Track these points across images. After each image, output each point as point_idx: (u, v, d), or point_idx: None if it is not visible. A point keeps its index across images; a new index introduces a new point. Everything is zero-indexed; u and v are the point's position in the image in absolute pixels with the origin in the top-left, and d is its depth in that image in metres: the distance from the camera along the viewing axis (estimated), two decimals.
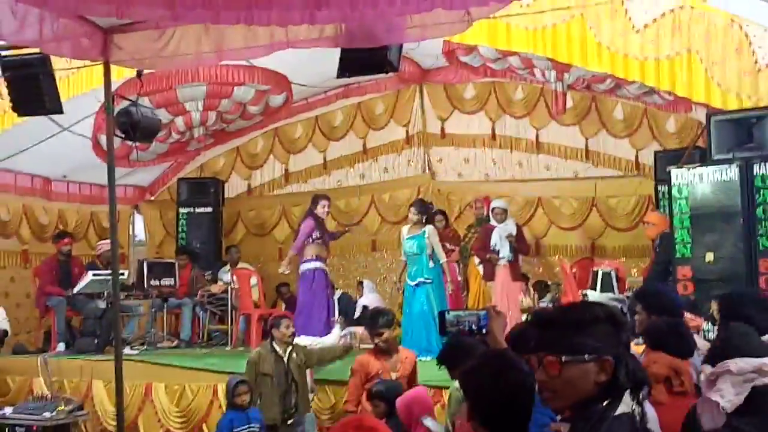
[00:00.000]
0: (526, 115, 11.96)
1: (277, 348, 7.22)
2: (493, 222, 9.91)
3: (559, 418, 2.88)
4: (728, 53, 7.18)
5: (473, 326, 3.24)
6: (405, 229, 9.31)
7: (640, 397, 2.08)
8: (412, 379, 6.36)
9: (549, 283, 10.90)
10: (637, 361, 2.14)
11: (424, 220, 9.23)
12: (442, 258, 9.08)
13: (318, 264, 9.59)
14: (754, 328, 2.77)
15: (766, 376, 1.45)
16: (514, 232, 9.78)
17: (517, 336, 3.48)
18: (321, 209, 9.73)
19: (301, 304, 9.57)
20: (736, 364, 1.49)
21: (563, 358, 2.08)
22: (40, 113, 7.47)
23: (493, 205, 10.14)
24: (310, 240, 9.57)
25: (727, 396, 1.42)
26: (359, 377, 6.41)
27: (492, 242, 9.79)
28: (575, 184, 11.83)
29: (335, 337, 8.70)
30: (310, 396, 7.72)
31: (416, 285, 9.03)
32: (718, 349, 2.71)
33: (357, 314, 11.19)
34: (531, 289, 10.44)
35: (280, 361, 7.17)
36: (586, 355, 2.07)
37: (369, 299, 11.49)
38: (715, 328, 6.60)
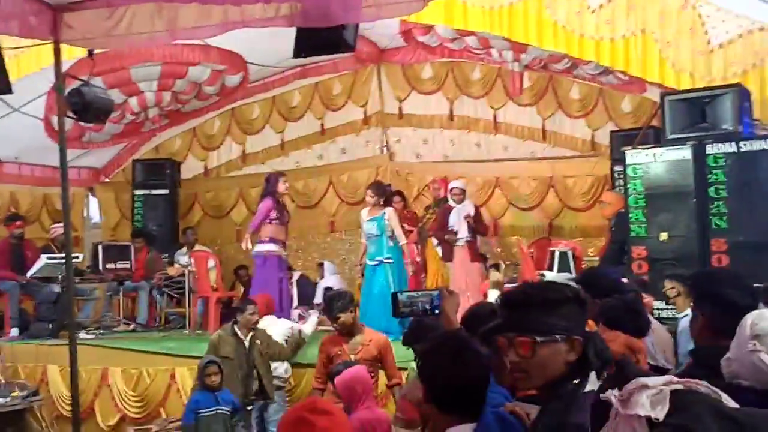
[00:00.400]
0: (484, 96, 11.99)
1: (239, 332, 7.19)
2: (451, 202, 9.94)
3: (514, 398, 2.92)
4: (682, 33, 7.26)
5: (426, 307, 3.23)
6: (365, 212, 9.27)
7: (604, 375, 2.09)
8: (382, 361, 6.36)
9: (502, 263, 10.90)
10: (602, 340, 2.16)
11: (382, 202, 9.18)
12: (402, 240, 9.05)
13: (270, 247, 9.50)
14: (736, 308, 2.79)
15: (677, 384, 1.49)
16: (472, 213, 9.83)
17: (475, 314, 3.49)
18: (282, 186, 9.67)
19: (254, 288, 9.52)
20: (647, 380, 1.53)
21: (536, 339, 2.10)
22: None
23: (451, 185, 10.16)
24: (268, 220, 9.50)
25: (653, 407, 1.45)
26: (322, 357, 6.43)
27: (450, 223, 9.82)
28: (532, 165, 11.90)
29: (312, 324, 8.67)
30: (281, 382, 7.72)
31: (376, 264, 9.02)
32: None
33: (318, 297, 11.17)
34: (487, 269, 10.47)
35: (241, 345, 7.15)
36: (558, 335, 2.09)
37: (330, 281, 11.48)
38: (668, 306, 6.73)
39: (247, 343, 7.18)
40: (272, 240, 9.50)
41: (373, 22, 7.95)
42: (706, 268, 6.04)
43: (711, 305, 3.08)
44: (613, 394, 1.58)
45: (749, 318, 2.58)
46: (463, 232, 9.73)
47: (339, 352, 6.29)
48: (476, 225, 9.84)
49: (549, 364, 2.11)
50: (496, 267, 9.56)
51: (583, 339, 2.11)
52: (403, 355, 4.78)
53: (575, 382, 2.09)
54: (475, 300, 8.18)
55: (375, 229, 9.05)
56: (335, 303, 6.40)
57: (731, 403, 1.53)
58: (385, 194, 9.37)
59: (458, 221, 9.75)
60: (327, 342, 6.51)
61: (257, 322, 7.40)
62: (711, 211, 7.08)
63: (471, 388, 2.51)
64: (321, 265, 12.14)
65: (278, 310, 8.97)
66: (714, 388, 1.54)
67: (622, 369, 2.07)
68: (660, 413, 1.44)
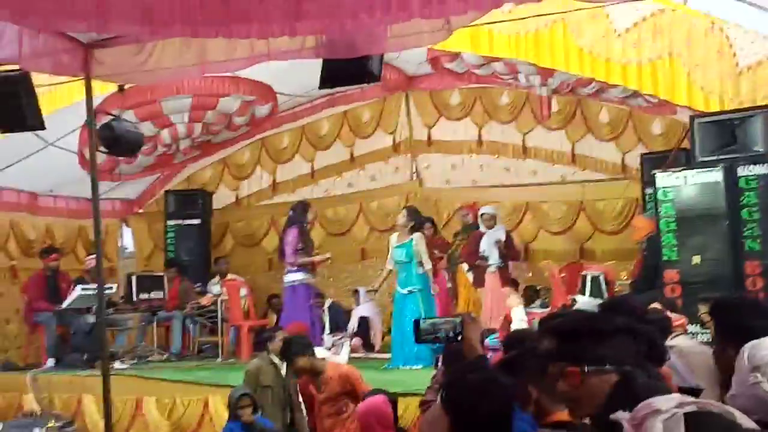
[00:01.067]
0: (512, 121, 11.99)
1: (275, 360, 7.20)
2: (482, 228, 9.92)
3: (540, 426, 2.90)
4: (710, 56, 7.22)
5: (449, 333, 3.22)
6: (394, 238, 9.27)
7: None
8: (353, 393, 6.37)
9: (538, 288, 10.88)
10: (655, 371, 2.16)
11: (411, 226, 9.16)
12: (428, 265, 8.99)
13: (299, 276, 9.55)
14: (754, 336, 2.73)
15: (690, 405, 1.46)
16: (503, 238, 9.80)
17: (515, 338, 3.48)
18: (311, 215, 9.77)
19: (285, 318, 9.55)
20: (660, 402, 1.49)
21: (585, 369, 2.11)
22: (21, 130, 7.42)
23: (481, 211, 10.15)
24: (295, 249, 9.53)
25: None
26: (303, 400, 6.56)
27: (481, 249, 9.80)
28: (562, 188, 11.86)
29: (346, 354, 8.67)
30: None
31: (407, 293, 9.00)
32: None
33: (353, 324, 11.16)
34: (521, 295, 10.41)
35: (279, 374, 7.14)
36: (608, 366, 2.10)
37: (364, 309, 11.45)
38: (703, 330, 6.64)
39: (283, 372, 7.18)
40: (300, 269, 9.52)
41: (398, 52, 8.01)
42: (725, 295, 5.92)
43: (735, 336, 3.02)
44: (624, 418, 1.56)
45: (745, 350, 2.54)
46: (494, 258, 9.70)
47: (311, 394, 6.39)
48: (507, 250, 9.81)
49: (598, 394, 2.11)
50: (515, 285, 9.54)
51: (634, 369, 2.12)
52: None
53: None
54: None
55: (404, 255, 9.02)
56: (291, 347, 6.45)
57: (747, 422, 1.51)
58: (417, 221, 9.34)
59: (489, 247, 9.72)
60: (302, 385, 6.57)
61: None
62: (744, 234, 7.01)
63: (496, 418, 2.50)
64: (356, 292, 12.12)
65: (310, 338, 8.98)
66: (727, 408, 1.51)
67: (629, 383, 2.06)
68: None
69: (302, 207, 9.87)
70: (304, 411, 7.34)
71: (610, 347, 2.13)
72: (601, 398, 2.11)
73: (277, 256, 12.72)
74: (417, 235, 9.06)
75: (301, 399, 6.69)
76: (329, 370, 6.44)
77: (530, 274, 11.75)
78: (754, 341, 2.58)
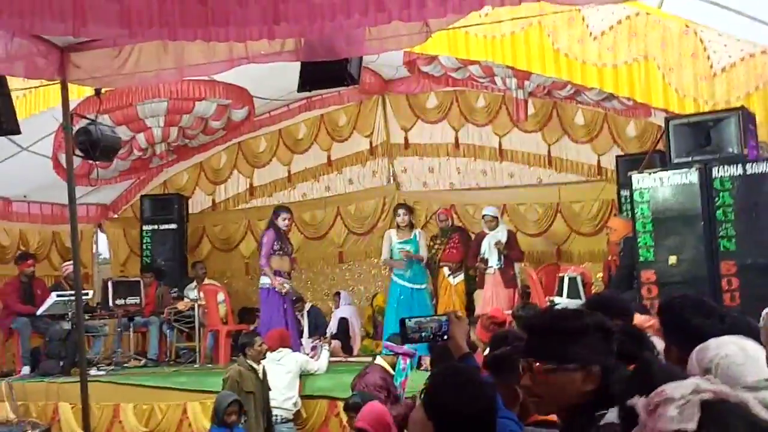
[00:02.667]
0: (489, 123, 12.02)
1: (254, 365, 7.18)
2: (484, 229, 9.97)
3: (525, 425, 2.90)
4: (684, 58, 7.27)
5: (435, 332, 3.22)
6: (393, 234, 9.37)
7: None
8: None
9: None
10: (627, 370, 2.16)
11: (413, 222, 9.40)
12: (425, 257, 9.47)
13: (263, 279, 9.56)
14: (703, 336, 2.70)
15: (705, 391, 1.45)
16: (504, 240, 9.77)
17: (500, 337, 3.50)
18: (282, 222, 9.73)
19: (262, 322, 9.53)
20: (672, 388, 1.48)
21: (549, 366, 2.13)
22: None
23: (483, 212, 10.21)
24: (272, 251, 9.51)
25: (683, 419, 1.40)
26: None
27: (481, 250, 9.86)
28: (539, 191, 11.92)
29: (325, 359, 8.68)
30: (290, 415, 7.72)
31: (418, 289, 9.30)
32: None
33: (332, 326, 11.18)
34: (521, 296, 10.34)
35: (258, 379, 7.14)
36: (572, 364, 2.10)
37: (344, 311, 11.50)
38: None
39: (261, 376, 7.18)
40: (275, 272, 9.50)
41: (377, 54, 8.01)
42: (671, 296, 5.96)
43: (677, 334, 3.01)
44: (639, 402, 1.55)
45: (693, 354, 2.54)
46: (493, 260, 9.73)
47: None
48: (509, 251, 9.79)
49: (563, 391, 2.13)
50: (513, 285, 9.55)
51: (603, 369, 2.12)
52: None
53: (595, 412, 2.07)
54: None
55: (414, 251, 9.25)
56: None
57: (762, 412, 1.50)
58: (414, 214, 9.57)
59: (489, 249, 9.76)
60: None
61: (266, 351, 7.41)
62: (719, 234, 7.06)
63: (478, 418, 2.50)
64: (337, 294, 12.13)
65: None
66: (742, 396, 1.50)
67: (647, 368, 2.03)
68: (691, 425, 1.41)
69: (275, 210, 9.96)
70: None
71: (579, 346, 2.13)
72: (565, 395, 2.13)
73: (255, 260, 12.78)
74: (419, 231, 9.34)
75: None
76: None
77: None
78: (702, 344, 2.57)
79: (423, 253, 9.43)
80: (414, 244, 9.28)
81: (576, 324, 2.18)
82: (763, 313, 1.30)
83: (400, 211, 9.56)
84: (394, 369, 7.01)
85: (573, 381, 2.12)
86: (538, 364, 2.15)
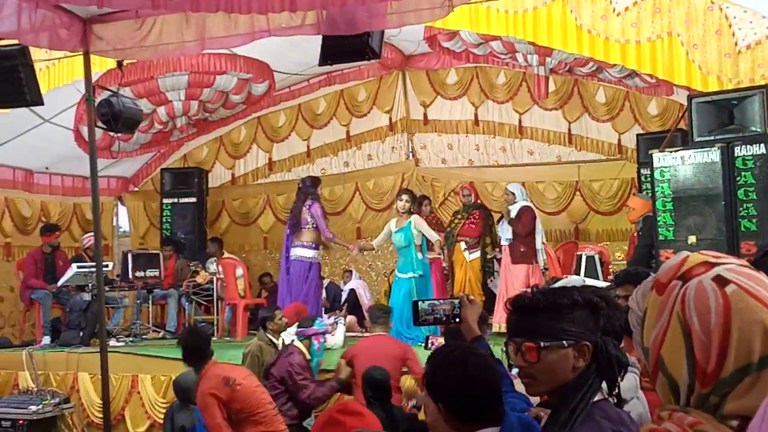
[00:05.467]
0: (509, 100, 11.98)
1: (274, 340, 7.22)
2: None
3: (536, 403, 2.90)
4: (709, 35, 7.21)
5: (448, 315, 3.21)
6: (393, 223, 9.25)
7: (618, 382, 2.08)
8: None
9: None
10: (617, 347, 2.13)
11: (412, 210, 9.19)
12: (434, 237, 9.07)
13: (314, 253, 9.52)
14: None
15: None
16: (514, 214, 9.58)
17: None
18: (320, 190, 9.79)
19: (294, 292, 9.47)
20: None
21: (541, 344, 2.07)
22: (20, 105, 7.39)
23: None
24: (309, 226, 9.48)
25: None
26: None
27: (499, 225, 9.86)
28: (558, 169, 11.87)
29: (341, 333, 8.70)
30: None
31: (405, 278, 9.03)
32: None
33: (344, 298, 11.26)
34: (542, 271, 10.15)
35: (278, 353, 7.17)
36: (565, 341, 2.07)
37: (354, 284, 11.59)
38: None
39: (281, 350, 7.21)
40: (307, 245, 9.51)
41: (398, 28, 7.97)
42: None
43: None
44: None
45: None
46: (506, 235, 9.57)
47: None
48: (514, 226, 9.46)
49: (556, 369, 2.08)
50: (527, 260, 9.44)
51: (593, 345, 2.08)
52: None
53: (585, 388, 2.05)
54: None
55: (403, 240, 9.06)
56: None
57: None
58: (416, 203, 9.43)
59: (503, 224, 9.67)
60: None
61: (286, 325, 7.44)
62: (740, 214, 7.01)
63: (485, 394, 2.49)
64: (348, 272, 12.19)
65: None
66: None
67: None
68: None
69: (312, 181, 9.79)
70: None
71: (567, 322, 2.09)
72: (558, 374, 2.08)
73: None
74: (415, 217, 9.08)
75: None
76: None
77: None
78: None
79: (426, 235, 9.14)
80: (407, 232, 9.05)
81: (564, 300, 2.12)
82: (632, 295, 1.28)
83: (404, 197, 9.21)
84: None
85: (566, 358, 2.07)
86: (529, 343, 2.09)
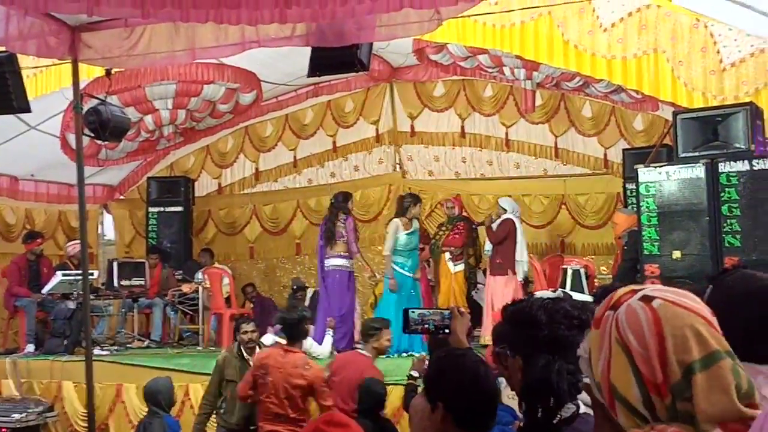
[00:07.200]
0: (496, 113, 12.03)
1: (244, 352, 6.94)
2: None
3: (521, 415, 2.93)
4: (694, 52, 7.28)
5: (436, 325, 3.24)
6: (399, 224, 9.36)
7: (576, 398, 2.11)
8: None
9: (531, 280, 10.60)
10: (567, 365, 2.12)
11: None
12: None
13: (345, 261, 9.55)
14: None
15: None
16: (495, 226, 9.57)
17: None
18: (351, 205, 9.91)
19: (327, 301, 9.46)
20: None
21: (497, 350, 2.26)
22: (7, 112, 7.39)
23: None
24: (343, 238, 9.54)
25: None
26: None
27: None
28: (545, 182, 11.93)
29: (328, 345, 8.70)
30: None
31: (417, 279, 9.40)
32: None
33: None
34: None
35: (246, 366, 6.85)
36: (508, 351, 2.17)
37: None
38: None
39: (252, 362, 6.88)
40: (347, 256, 9.57)
41: (387, 41, 8.02)
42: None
43: None
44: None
45: None
46: (487, 246, 9.72)
47: None
48: (488, 234, 9.61)
49: (510, 377, 2.25)
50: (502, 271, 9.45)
51: (524, 359, 2.17)
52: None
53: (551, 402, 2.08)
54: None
55: (414, 242, 9.40)
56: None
57: None
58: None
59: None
60: None
61: (253, 340, 7.06)
62: (724, 230, 7.06)
63: (488, 402, 2.53)
64: None
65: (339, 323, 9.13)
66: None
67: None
68: None
69: (344, 196, 9.84)
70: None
71: (516, 334, 2.23)
72: (512, 381, 2.23)
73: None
74: (416, 223, 9.40)
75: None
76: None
77: None
78: None
79: (416, 242, 9.57)
80: (416, 235, 9.40)
81: (513, 314, 2.28)
82: (580, 348, 1.33)
83: (419, 205, 9.67)
84: None
85: (514, 368, 2.21)
86: (496, 349, 2.27)
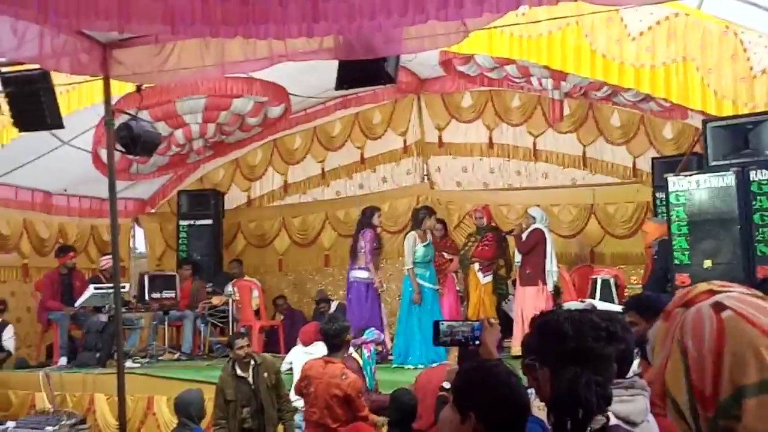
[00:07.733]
0: (524, 123, 12.00)
1: (238, 369, 6.96)
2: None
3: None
4: (723, 60, 7.21)
5: (466, 336, 3.24)
6: (416, 236, 9.40)
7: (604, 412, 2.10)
8: None
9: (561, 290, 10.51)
10: (596, 377, 2.10)
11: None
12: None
13: (365, 274, 9.72)
14: None
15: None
16: (524, 236, 9.58)
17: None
18: (376, 220, 10.02)
19: (350, 311, 9.60)
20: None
21: (526, 362, 2.24)
22: (41, 129, 7.49)
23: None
24: (372, 250, 9.76)
25: None
26: None
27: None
28: (573, 192, 11.87)
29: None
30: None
31: (436, 290, 9.50)
32: None
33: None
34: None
35: (243, 383, 6.93)
36: (538, 363, 2.16)
37: None
38: None
39: (250, 379, 6.95)
40: (367, 268, 9.73)
41: (414, 53, 8.04)
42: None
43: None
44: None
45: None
46: (517, 257, 9.75)
47: None
48: (517, 244, 9.66)
49: (539, 389, 2.23)
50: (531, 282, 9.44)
51: (552, 371, 2.15)
52: None
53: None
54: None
55: (430, 253, 9.48)
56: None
57: None
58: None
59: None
60: None
61: (249, 354, 7.11)
62: (756, 238, 6.99)
63: (520, 414, 2.52)
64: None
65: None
66: None
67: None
68: None
69: (371, 211, 10.06)
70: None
71: (545, 346, 2.22)
72: (541, 393, 2.20)
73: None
74: (429, 234, 9.57)
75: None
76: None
77: None
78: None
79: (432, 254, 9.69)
80: (432, 248, 9.55)
81: (541, 326, 2.27)
82: (649, 332, 1.34)
83: (433, 217, 9.81)
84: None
85: (543, 380, 2.18)
86: (529, 361, 2.24)
